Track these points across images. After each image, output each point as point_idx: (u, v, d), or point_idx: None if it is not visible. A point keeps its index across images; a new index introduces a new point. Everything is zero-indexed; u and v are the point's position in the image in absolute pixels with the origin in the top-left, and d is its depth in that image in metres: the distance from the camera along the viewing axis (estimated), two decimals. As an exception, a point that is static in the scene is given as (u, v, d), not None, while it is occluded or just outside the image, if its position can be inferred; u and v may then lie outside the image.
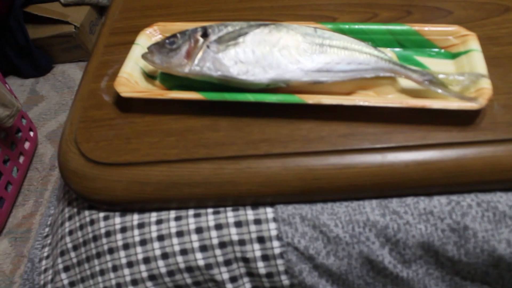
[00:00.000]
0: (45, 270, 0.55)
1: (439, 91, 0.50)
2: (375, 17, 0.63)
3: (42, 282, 0.55)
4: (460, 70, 0.53)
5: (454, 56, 0.55)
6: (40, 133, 1.43)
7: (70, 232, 0.53)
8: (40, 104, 1.53)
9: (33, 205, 1.23)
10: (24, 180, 1.30)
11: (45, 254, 0.57)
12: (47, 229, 0.60)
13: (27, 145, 1.34)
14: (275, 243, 0.48)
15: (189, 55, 0.53)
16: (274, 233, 0.48)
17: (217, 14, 0.67)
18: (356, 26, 0.57)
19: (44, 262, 0.56)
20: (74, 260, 0.52)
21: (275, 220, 0.48)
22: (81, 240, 0.52)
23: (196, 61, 0.52)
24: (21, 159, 1.30)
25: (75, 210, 0.53)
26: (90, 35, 1.60)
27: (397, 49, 0.57)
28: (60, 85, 1.58)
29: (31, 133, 1.37)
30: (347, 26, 0.57)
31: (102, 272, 0.50)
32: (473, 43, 0.54)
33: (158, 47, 0.54)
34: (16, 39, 1.48)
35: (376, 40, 0.57)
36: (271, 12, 0.66)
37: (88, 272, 0.51)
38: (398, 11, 0.64)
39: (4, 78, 1.36)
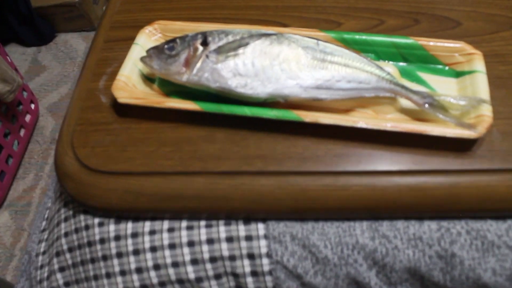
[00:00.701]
0: (41, 266, 0.57)
1: (439, 115, 0.49)
2: (382, 24, 0.62)
3: (38, 278, 0.56)
4: (462, 91, 0.53)
5: (458, 74, 0.54)
6: (41, 105, 1.43)
7: (66, 234, 0.54)
8: (42, 74, 1.52)
9: (33, 179, 1.25)
10: (24, 153, 1.31)
11: (42, 250, 0.58)
12: (44, 223, 0.61)
13: (28, 118, 1.34)
14: (265, 261, 0.49)
15: (188, 64, 0.52)
16: (264, 250, 0.49)
17: (220, 12, 0.66)
18: (360, 37, 0.56)
19: (40, 257, 0.57)
20: (69, 262, 0.53)
21: (266, 237, 0.49)
22: (76, 243, 0.53)
23: (194, 71, 0.51)
24: (22, 132, 1.30)
25: (71, 212, 0.54)
26: (94, 5, 1.57)
27: (400, 64, 0.56)
28: (63, 55, 1.56)
29: (32, 106, 1.37)
30: (350, 36, 0.56)
31: (96, 277, 0.51)
32: (479, 63, 0.53)
33: (157, 52, 0.53)
34: (18, 7, 1.46)
35: (379, 52, 0.56)
36: (275, 12, 0.65)
37: (83, 275, 0.52)
38: (405, 18, 0.62)
39: (6, 47, 1.35)
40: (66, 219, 0.54)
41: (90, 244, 0.51)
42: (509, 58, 0.57)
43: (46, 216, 0.62)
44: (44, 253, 0.57)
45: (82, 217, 0.53)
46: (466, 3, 0.64)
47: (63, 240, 0.54)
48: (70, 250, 0.53)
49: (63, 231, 0.54)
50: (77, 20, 1.58)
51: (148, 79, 0.57)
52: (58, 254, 0.54)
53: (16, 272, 1.12)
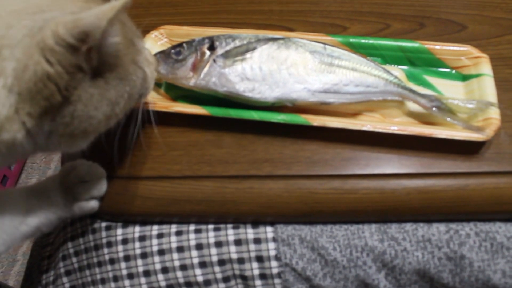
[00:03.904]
0: (47, 270, 0.56)
1: (447, 118, 0.49)
2: (387, 28, 0.62)
3: (44, 282, 0.56)
4: (469, 94, 0.53)
5: (464, 78, 0.54)
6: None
7: (72, 238, 0.54)
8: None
9: (36, 184, 1.25)
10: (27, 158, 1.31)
11: (47, 254, 0.58)
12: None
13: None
14: (274, 263, 0.48)
15: (195, 68, 0.52)
16: (273, 253, 0.48)
17: (225, 16, 0.66)
18: (366, 41, 0.56)
19: (46, 261, 0.57)
20: (76, 266, 0.53)
21: (274, 240, 0.49)
22: (82, 247, 0.53)
23: (202, 75, 0.52)
24: (25, 137, 1.31)
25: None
26: None
27: (406, 67, 0.56)
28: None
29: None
30: (357, 40, 0.56)
31: (103, 281, 0.51)
32: (485, 66, 0.53)
33: (164, 56, 0.53)
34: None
35: (386, 56, 0.56)
36: (281, 17, 0.65)
37: (89, 279, 0.52)
38: (411, 22, 0.62)
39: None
40: (72, 223, 0.54)
41: (97, 247, 0.51)
42: (515, 62, 0.57)
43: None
44: (49, 257, 0.57)
45: (88, 220, 0.53)
46: (471, 6, 0.64)
47: (70, 244, 0.54)
48: (77, 253, 0.53)
49: (69, 235, 0.54)
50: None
51: (155, 84, 0.57)
52: (64, 257, 0.54)
53: (18, 277, 1.12)
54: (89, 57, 0.34)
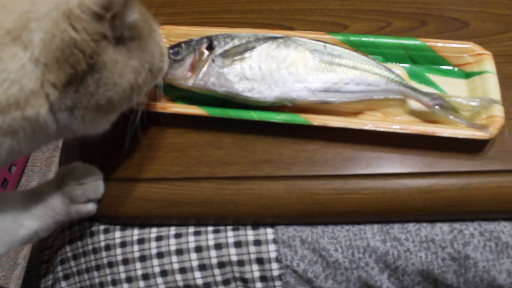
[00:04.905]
0: (46, 274, 0.56)
1: (449, 116, 0.48)
2: (388, 26, 0.61)
3: (42, 286, 0.55)
4: (472, 92, 0.52)
5: (467, 75, 0.54)
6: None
7: (70, 241, 0.53)
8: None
9: (37, 187, 1.24)
10: (27, 161, 1.30)
11: (45, 258, 0.57)
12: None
13: (32, 125, 1.34)
14: (274, 265, 0.48)
15: (194, 68, 0.51)
16: (273, 255, 0.48)
17: (225, 16, 0.65)
18: (367, 39, 0.56)
19: (44, 265, 0.57)
20: (74, 269, 0.53)
21: (275, 241, 0.48)
22: (80, 250, 0.52)
23: (200, 75, 0.51)
24: (26, 140, 1.30)
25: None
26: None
27: (408, 65, 0.55)
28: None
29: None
30: (357, 39, 0.56)
31: (101, 285, 0.50)
32: (488, 63, 0.52)
33: (163, 56, 0.53)
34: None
35: (387, 54, 0.55)
36: (280, 16, 0.64)
37: (88, 283, 0.51)
38: (412, 20, 0.61)
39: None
40: (70, 226, 0.54)
41: (95, 251, 0.51)
42: (518, 58, 0.56)
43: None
44: (48, 260, 0.56)
45: (86, 224, 0.52)
46: (473, 3, 0.63)
47: (68, 248, 0.53)
48: (75, 257, 0.53)
49: (67, 238, 0.53)
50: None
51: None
52: (62, 261, 0.53)
53: (19, 281, 1.11)
54: (113, 25, 0.36)
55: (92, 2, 0.33)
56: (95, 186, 0.48)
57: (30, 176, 1.27)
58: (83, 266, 0.52)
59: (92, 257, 0.51)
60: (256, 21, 0.64)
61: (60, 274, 0.53)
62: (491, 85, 0.50)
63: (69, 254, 0.53)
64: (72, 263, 0.52)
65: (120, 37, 0.37)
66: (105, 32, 0.35)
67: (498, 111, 0.48)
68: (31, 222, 0.46)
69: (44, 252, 0.57)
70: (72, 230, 0.53)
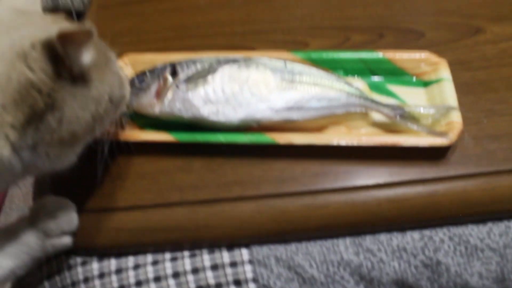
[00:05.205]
0: (24, 312, 0.55)
1: (410, 125, 0.50)
2: (348, 41, 0.63)
3: (21, 325, 0.55)
4: (431, 100, 0.54)
5: (426, 84, 0.55)
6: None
7: (48, 276, 0.53)
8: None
9: (15, 223, 1.22)
10: (5, 198, 1.28)
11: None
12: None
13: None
14: (252, 286, 0.48)
15: (159, 95, 0.52)
16: (250, 275, 0.48)
17: (189, 41, 0.66)
18: (327, 55, 0.57)
19: (22, 303, 0.56)
20: (53, 305, 0.52)
21: (250, 262, 0.48)
22: (59, 285, 0.52)
23: (166, 102, 0.52)
24: (1, 176, 1.29)
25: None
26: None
27: (369, 78, 0.57)
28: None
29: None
30: (318, 55, 0.57)
31: (80, 318, 0.50)
32: (444, 71, 0.54)
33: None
34: None
35: (348, 69, 0.57)
36: (243, 37, 0.65)
37: (67, 317, 0.51)
38: (370, 34, 0.63)
39: None
40: (47, 262, 0.53)
41: (74, 284, 0.50)
42: (473, 64, 0.58)
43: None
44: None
45: (64, 257, 0.52)
46: (427, 14, 0.65)
47: (46, 283, 0.53)
48: (54, 293, 0.52)
49: (45, 273, 0.53)
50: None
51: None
52: (41, 298, 0.53)
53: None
54: (69, 65, 0.36)
55: (45, 43, 0.34)
56: (69, 218, 0.48)
57: (8, 214, 1.25)
58: (61, 301, 0.51)
59: (70, 291, 0.51)
60: (219, 43, 0.65)
61: (39, 311, 0.53)
62: (448, 92, 0.52)
63: (47, 290, 0.52)
64: (50, 299, 0.52)
65: (76, 73, 0.38)
66: (61, 71, 0.36)
67: (456, 117, 0.49)
68: (6, 261, 0.45)
69: (21, 291, 0.56)
70: (49, 265, 0.53)
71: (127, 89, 0.47)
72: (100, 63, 0.41)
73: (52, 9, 1.56)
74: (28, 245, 0.46)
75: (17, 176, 0.40)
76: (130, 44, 0.67)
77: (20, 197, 1.29)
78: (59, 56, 0.35)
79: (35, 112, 0.36)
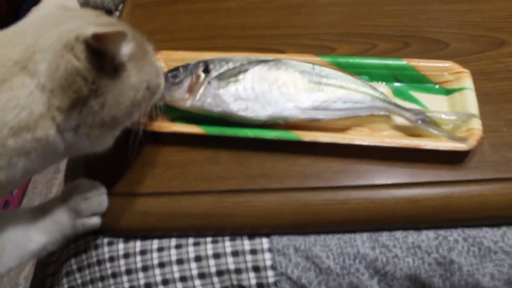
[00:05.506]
0: (51, 287, 0.58)
1: (431, 130, 0.52)
2: (374, 48, 0.65)
3: (48, 300, 0.58)
4: (453, 107, 0.55)
5: (448, 92, 0.57)
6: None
7: (75, 254, 0.56)
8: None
9: (38, 209, 1.26)
10: (29, 183, 1.33)
11: (51, 272, 0.59)
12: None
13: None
14: (270, 273, 0.50)
15: (191, 90, 0.55)
16: (269, 263, 0.50)
17: (220, 41, 0.69)
18: (354, 60, 0.59)
19: (49, 279, 0.59)
20: (79, 281, 0.55)
21: (270, 250, 0.51)
22: (85, 263, 0.55)
23: (197, 97, 0.54)
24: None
25: (81, 234, 0.56)
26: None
27: (393, 84, 0.59)
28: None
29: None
30: (344, 60, 0.59)
31: (106, 295, 0.53)
32: (467, 80, 0.56)
33: (162, 80, 0.56)
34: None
35: (373, 74, 0.59)
36: (271, 40, 0.68)
37: (92, 294, 0.54)
38: (396, 42, 0.66)
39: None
40: (75, 240, 0.56)
41: (99, 262, 0.53)
42: (495, 76, 0.60)
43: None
44: (53, 274, 0.59)
45: (91, 237, 0.55)
46: (453, 25, 0.67)
47: (73, 261, 0.56)
48: (80, 269, 0.55)
49: (72, 252, 0.56)
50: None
51: (153, 106, 0.60)
52: (67, 274, 0.56)
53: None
54: (111, 56, 0.40)
55: (85, 40, 0.38)
56: (100, 200, 0.51)
57: (31, 198, 1.30)
58: (88, 278, 0.54)
59: (96, 268, 0.53)
60: (249, 45, 0.67)
61: (66, 286, 0.55)
62: (469, 100, 0.54)
63: (74, 267, 0.55)
64: (77, 275, 0.55)
65: (117, 64, 0.41)
66: (103, 62, 0.40)
67: (476, 125, 0.51)
68: (40, 236, 0.49)
69: (49, 267, 0.59)
70: (77, 244, 0.56)
71: (162, 78, 0.50)
72: (139, 54, 0.44)
73: (83, 6, 1.61)
74: (60, 223, 0.49)
75: (60, 155, 0.43)
76: (163, 42, 0.70)
77: (43, 183, 1.33)
78: (100, 50, 0.39)
79: (80, 97, 0.40)
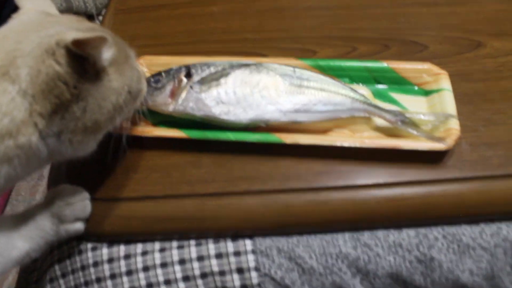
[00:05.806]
0: (35, 295, 0.58)
1: (411, 131, 0.53)
2: (354, 51, 0.66)
3: (32, 307, 0.57)
4: (432, 108, 0.56)
5: (427, 93, 0.58)
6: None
7: (59, 260, 0.56)
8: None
9: (23, 217, 1.25)
10: (12, 190, 1.32)
11: (34, 279, 0.59)
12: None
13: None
14: (253, 274, 0.51)
15: (173, 95, 0.55)
16: (252, 264, 0.51)
17: (202, 46, 0.70)
18: (334, 63, 0.60)
19: (33, 286, 0.59)
20: (63, 287, 0.55)
21: (253, 252, 0.51)
22: (69, 268, 0.55)
23: (180, 101, 0.55)
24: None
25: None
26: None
27: (373, 86, 0.60)
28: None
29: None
30: (325, 63, 0.60)
31: (90, 300, 0.53)
32: (445, 82, 0.57)
33: (145, 84, 0.57)
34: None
35: (353, 76, 0.60)
36: (254, 44, 0.69)
37: (77, 300, 0.54)
38: (376, 45, 0.67)
39: None
40: (59, 247, 0.56)
41: (83, 268, 0.53)
42: (473, 77, 0.61)
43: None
44: (37, 281, 0.58)
45: (75, 243, 0.55)
46: (432, 28, 0.68)
47: (57, 267, 0.55)
48: (64, 275, 0.55)
49: (56, 258, 0.56)
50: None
51: (136, 111, 0.60)
52: (51, 280, 0.55)
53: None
54: (92, 61, 0.40)
55: (66, 45, 0.38)
56: (83, 205, 0.51)
57: (15, 205, 1.29)
58: (72, 284, 0.54)
59: (80, 274, 0.53)
60: (231, 50, 0.68)
61: (49, 293, 0.55)
62: (448, 101, 0.55)
63: (58, 273, 0.55)
64: (61, 281, 0.55)
65: (99, 68, 0.42)
66: (85, 67, 0.40)
67: (454, 125, 0.52)
68: (22, 243, 0.48)
69: (33, 274, 0.59)
70: (60, 250, 0.56)
71: (144, 83, 0.51)
72: (120, 59, 0.45)
73: (65, 12, 1.60)
74: (43, 229, 0.49)
75: (42, 161, 0.44)
76: (146, 47, 0.70)
77: (27, 190, 1.32)
78: (81, 55, 0.39)
79: (62, 102, 0.40)
